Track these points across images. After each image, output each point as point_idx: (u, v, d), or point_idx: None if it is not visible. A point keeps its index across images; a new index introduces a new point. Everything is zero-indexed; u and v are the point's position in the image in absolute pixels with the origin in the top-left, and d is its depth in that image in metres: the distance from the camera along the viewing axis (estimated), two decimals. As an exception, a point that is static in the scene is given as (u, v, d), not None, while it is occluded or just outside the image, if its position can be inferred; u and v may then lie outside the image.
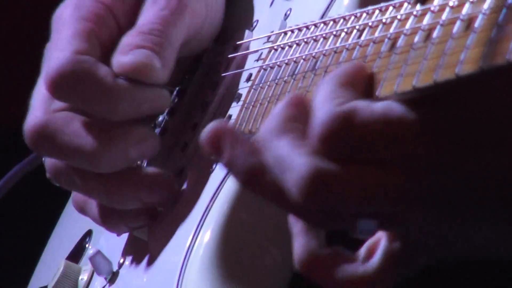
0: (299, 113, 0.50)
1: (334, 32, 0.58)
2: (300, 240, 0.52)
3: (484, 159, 0.46)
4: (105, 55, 0.73)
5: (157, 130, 0.78)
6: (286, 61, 0.68)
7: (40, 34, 0.84)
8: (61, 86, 0.72)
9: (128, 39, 0.72)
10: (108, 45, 0.74)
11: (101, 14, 0.76)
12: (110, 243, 0.79)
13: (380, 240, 0.48)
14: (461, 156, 0.47)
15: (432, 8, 0.49)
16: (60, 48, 0.74)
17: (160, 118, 0.78)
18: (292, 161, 0.46)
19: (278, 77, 0.66)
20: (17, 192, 0.87)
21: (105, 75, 0.71)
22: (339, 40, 0.59)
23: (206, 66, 0.81)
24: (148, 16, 0.75)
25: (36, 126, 0.74)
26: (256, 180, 0.50)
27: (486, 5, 0.44)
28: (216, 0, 0.81)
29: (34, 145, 0.75)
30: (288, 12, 0.73)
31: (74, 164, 0.75)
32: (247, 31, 0.76)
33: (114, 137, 0.73)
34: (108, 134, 0.73)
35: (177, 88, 0.79)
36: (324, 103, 0.48)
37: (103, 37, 0.75)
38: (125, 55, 0.71)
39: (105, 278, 0.75)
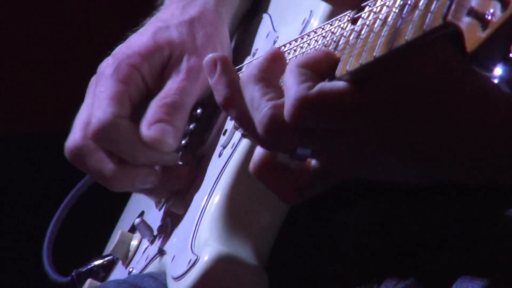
0: (274, 68, 0.68)
1: (312, 38, 0.79)
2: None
3: (400, 123, 0.63)
4: (135, 108, 0.93)
5: (192, 126, 0.98)
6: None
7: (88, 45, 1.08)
8: (99, 138, 0.91)
9: (154, 109, 0.92)
10: (137, 101, 0.94)
11: (133, 77, 0.95)
12: (153, 216, 1.00)
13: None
14: (385, 120, 0.63)
15: (364, 16, 0.68)
16: (102, 106, 0.94)
17: (191, 126, 0.97)
18: (259, 104, 0.64)
19: None
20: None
21: (132, 137, 0.91)
22: (318, 41, 0.79)
23: None
24: (171, 87, 0.94)
25: (73, 147, 0.94)
26: (232, 107, 0.68)
27: (397, 4, 0.63)
28: (224, 42, 1.01)
29: (69, 159, 0.96)
30: (276, 39, 0.94)
31: (95, 179, 0.97)
32: (248, 57, 0.98)
33: (127, 172, 0.93)
34: (123, 169, 0.92)
35: (200, 107, 1.00)
36: (291, 78, 0.64)
37: (134, 95, 0.94)
38: (148, 129, 0.91)
39: (148, 240, 0.96)
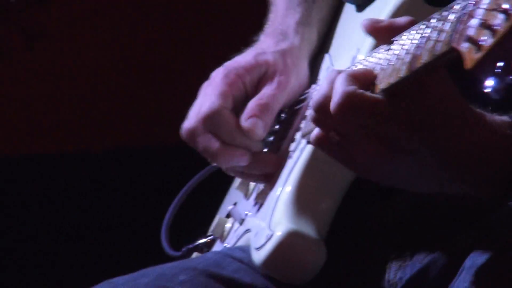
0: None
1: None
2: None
3: (423, 135, 0.80)
4: (236, 105, 1.18)
5: (277, 126, 1.23)
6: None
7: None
8: (208, 122, 1.16)
9: (251, 106, 1.17)
10: (238, 101, 1.18)
11: (237, 84, 1.20)
12: (242, 206, 1.24)
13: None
14: (410, 131, 0.79)
15: (393, 47, 0.85)
16: (212, 99, 1.18)
17: (277, 126, 1.24)
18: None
19: None
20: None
21: (232, 124, 1.16)
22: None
23: (295, 103, 1.26)
24: (265, 92, 1.19)
25: (187, 129, 1.18)
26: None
27: (417, 38, 0.80)
28: (303, 71, 1.26)
29: (184, 138, 1.20)
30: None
31: (204, 155, 1.20)
32: (313, 85, 1.22)
33: (227, 150, 1.16)
34: (224, 147, 1.16)
35: (283, 113, 1.24)
36: (341, 80, 0.82)
37: (236, 95, 1.19)
38: (245, 121, 1.15)
39: (238, 223, 1.19)
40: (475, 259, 0.96)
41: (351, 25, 1.29)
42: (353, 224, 1.15)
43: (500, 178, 0.91)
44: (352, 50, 1.17)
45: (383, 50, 0.92)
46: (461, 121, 0.85)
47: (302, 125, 1.21)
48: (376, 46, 1.01)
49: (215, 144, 1.19)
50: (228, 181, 1.42)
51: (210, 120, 1.20)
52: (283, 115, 1.26)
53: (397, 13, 1.11)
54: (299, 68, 1.31)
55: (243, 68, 1.23)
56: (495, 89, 0.81)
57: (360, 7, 1.28)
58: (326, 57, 1.28)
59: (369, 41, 1.10)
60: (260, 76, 1.24)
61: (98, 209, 2.91)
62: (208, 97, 1.22)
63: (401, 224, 1.12)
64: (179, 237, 1.45)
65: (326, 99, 0.86)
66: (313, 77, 1.29)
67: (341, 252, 1.12)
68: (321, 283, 1.10)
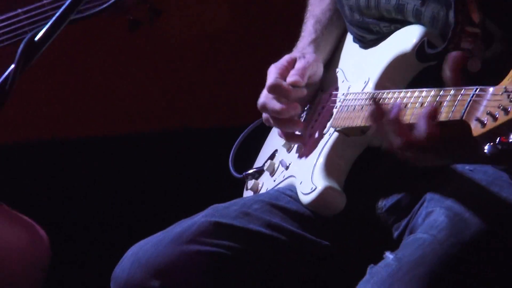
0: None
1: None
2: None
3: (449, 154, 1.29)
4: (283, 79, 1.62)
5: (305, 113, 1.69)
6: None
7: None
8: (271, 90, 1.62)
9: (292, 71, 1.63)
10: (284, 76, 1.63)
11: (283, 69, 1.66)
12: (286, 155, 1.70)
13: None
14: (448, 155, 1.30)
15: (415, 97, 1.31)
16: (271, 78, 1.62)
17: (304, 113, 1.69)
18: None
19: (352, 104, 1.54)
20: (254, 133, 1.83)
21: (286, 88, 1.60)
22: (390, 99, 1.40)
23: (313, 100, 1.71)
24: (297, 66, 1.65)
25: (261, 102, 1.63)
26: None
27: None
28: (319, 67, 1.72)
29: (259, 109, 1.65)
30: (350, 86, 1.60)
31: (273, 115, 1.63)
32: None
33: (287, 109, 1.61)
34: (285, 107, 1.61)
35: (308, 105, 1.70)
36: (423, 121, 1.23)
37: (282, 74, 1.63)
38: (289, 77, 1.62)
39: (284, 167, 1.66)
40: (432, 196, 1.49)
41: (359, 57, 1.70)
42: (358, 179, 1.62)
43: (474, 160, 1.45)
44: (363, 77, 1.59)
45: (416, 94, 1.36)
46: (469, 147, 1.27)
47: (331, 119, 1.62)
48: (385, 84, 1.51)
49: (278, 105, 1.67)
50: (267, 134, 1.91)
51: (273, 88, 1.68)
52: (307, 107, 1.74)
53: (394, 61, 1.52)
54: (317, 63, 1.76)
55: (284, 60, 1.71)
56: (489, 153, 1.19)
57: (364, 46, 1.70)
58: (340, 71, 1.72)
59: (377, 74, 1.55)
60: (293, 62, 1.73)
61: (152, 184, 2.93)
62: (268, 79, 1.69)
63: (386, 176, 1.60)
64: (241, 164, 1.91)
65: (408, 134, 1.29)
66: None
67: (352, 196, 1.60)
68: (341, 214, 1.59)
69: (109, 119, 3.15)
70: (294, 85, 1.66)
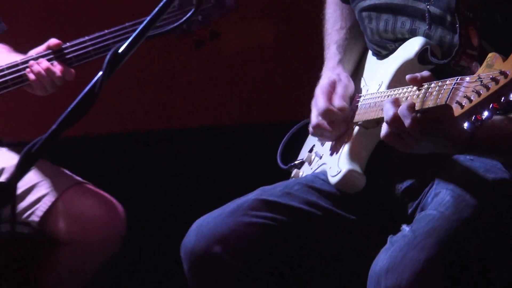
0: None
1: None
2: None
3: (433, 138, 1.40)
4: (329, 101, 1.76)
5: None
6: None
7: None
8: (324, 114, 1.73)
9: (337, 99, 1.74)
10: (330, 99, 1.75)
11: (327, 92, 1.77)
12: (318, 148, 1.86)
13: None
14: (428, 135, 1.38)
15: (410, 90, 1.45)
16: (322, 103, 1.76)
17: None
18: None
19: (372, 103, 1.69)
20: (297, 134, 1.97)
21: (335, 110, 1.74)
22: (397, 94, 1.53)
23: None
24: (339, 91, 1.76)
25: (315, 124, 1.74)
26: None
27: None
28: (350, 81, 1.85)
29: (313, 128, 1.78)
30: (368, 88, 1.78)
31: (323, 135, 1.80)
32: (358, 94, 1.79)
33: (331, 127, 1.73)
34: (335, 132, 1.75)
35: None
36: (408, 113, 1.37)
37: (328, 97, 1.76)
38: (337, 103, 1.74)
39: (318, 157, 1.82)
40: (439, 180, 1.62)
41: (376, 66, 1.86)
42: (378, 164, 1.77)
43: (458, 150, 1.51)
44: (378, 81, 1.76)
45: (414, 89, 1.48)
46: (454, 133, 1.43)
47: (355, 116, 1.77)
48: (395, 84, 1.65)
49: (329, 129, 1.79)
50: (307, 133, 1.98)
51: (325, 113, 1.80)
52: None
53: (402, 66, 1.70)
54: (350, 81, 1.89)
55: (327, 84, 1.83)
56: (468, 128, 1.32)
57: (380, 58, 1.85)
58: (363, 79, 1.88)
59: (388, 78, 1.71)
60: (334, 85, 1.85)
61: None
62: (319, 103, 1.81)
63: (401, 163, 1.75)
64: (288, 158, 2.07)
65: (395, 117, 1.42)
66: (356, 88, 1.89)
67: (374, 178, 1.76)
68: (366, 194, 1.75)
69: (176, 113, 3.26)
70: (341, 110, 1.81)
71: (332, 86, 1.89)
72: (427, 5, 1.70)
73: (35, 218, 2.33)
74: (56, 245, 2.34)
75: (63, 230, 2.30)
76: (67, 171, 2.48)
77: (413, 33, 1.73)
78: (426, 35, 1.70)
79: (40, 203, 2.34)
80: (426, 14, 1.71)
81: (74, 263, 2.35)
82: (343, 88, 1.87)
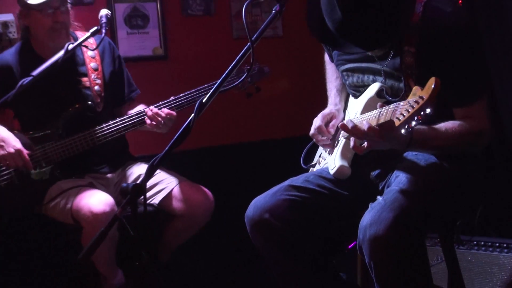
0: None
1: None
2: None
3: (387, 143, 1.78)
4: (326, 124, 2.22)
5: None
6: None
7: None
8: (318, 130, 2.22)
9: (330, 126, 2.20)
10: (326, 122, 2.24)
11: (325, 117, 2.24)
12: (324, 154, 2.29)
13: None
14: (384, 140, 1.73)
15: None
16: (318, 122, 2.23)
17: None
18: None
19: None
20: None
21: (324, 129, 2.21)
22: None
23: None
24: (334, 122, 2.22)
25: (311, 133, 2.24)
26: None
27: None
28: (342, 114, 2.29)
29: (311, 135, 2.24)
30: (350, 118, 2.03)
31: (317, 140, 2.25)
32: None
33: (324, 141, 2.23)
34: (323, 141, 2.25)
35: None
36: (364, 127, 1.67)
37: (325, 121, 2.21)
38: (330, 128, 2.24)
39: (324, 160, 2.28)
40: (397, 169, 1.97)
41: (353, 103, 2.18)
42: (358, 161, 2.14)
43: (403, 147, 1.81)
44: (355, 111, 2.06)
45: (374, 113, 1.73)
46: (395, 139, 1.72)
47: (341, 134, 2.11)
48: (364, 111, 1.93)
49: (319, 137, 2.18)
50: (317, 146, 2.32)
51: (318, 129, 2.19)
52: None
53: (368, 101, 2.01)
54: (341, 114, 2.25)
55: (327, 113, 2.24)
56: (405, 133, 1.61)
57: (355, 98, 2.18)
58: (346, 111, 2.24)
59: (360, 109, 2.01)
60: (332, 116, 2.25)
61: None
62: (317, 122, 2.19)
63: (373, 159, 2.11)
64: (308, 159, 2.42)
65: (358, 130, 1.68)
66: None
67: (356, 169, 2.14)
68: (352, 178, 2.15)
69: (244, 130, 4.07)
70: (328, 132, 2.26)
71: (330, 115, 2.32)
72: (382, 67, 2.06)
73: (155, 201, 2.94)
74: (172, 217, 2.99)
75: (176, 209, 2.94)
76: (175, 173, 3.05)
77: (374, 81, 2.12)
78: (382, 83, 2.07)
79: (160, 193, 2.95)
80: (382, 72, 2.06)
81: (183, 227, 3.00)
82: (337, 121, 2.30)
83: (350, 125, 1.73)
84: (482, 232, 2.82)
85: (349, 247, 2.37)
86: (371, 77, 2.09)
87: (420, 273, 1.84)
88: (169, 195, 2.88)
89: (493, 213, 2.72)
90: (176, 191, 2.90)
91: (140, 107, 2.90)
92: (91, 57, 2.82)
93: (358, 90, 2.20)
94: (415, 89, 1.63)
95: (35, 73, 2.45)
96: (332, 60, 2.33)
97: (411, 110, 1.57)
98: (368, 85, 2.10)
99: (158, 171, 2.81)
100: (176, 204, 2.90)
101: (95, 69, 2.88)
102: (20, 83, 2.40)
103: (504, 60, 2.94)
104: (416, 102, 1.57)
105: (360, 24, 1.78)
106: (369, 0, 1.74)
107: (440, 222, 2.03)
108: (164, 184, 2.92)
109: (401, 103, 1.63)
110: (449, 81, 1.70)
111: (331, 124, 2.27)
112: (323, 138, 2.25)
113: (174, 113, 2.76)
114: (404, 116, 1.58)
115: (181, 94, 2.82)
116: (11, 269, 2.84)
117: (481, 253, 2.67)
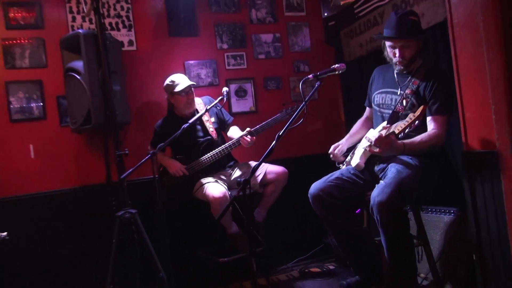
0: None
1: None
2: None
3: (390, 151, 3.18)
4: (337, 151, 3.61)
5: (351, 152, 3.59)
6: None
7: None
8: (331, 154, 3.69)
9: (337, 153, 3.58)
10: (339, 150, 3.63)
11: (336, 148, 3.72)
12: (349, 159, 3.65)
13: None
14: (388, 148, 3.13)
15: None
16: (332, 149, 3.63)
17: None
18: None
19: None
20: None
21: (335, 153, 3.67)
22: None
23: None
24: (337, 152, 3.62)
25: (330, 153, 3.64)
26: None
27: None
28: (344, 147, 3.72)
29: (330, 153, 3.68)
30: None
31: (332, 159, 3.62)
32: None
33: (336, 159, 3.64)
34: (335, 159, 3.63)
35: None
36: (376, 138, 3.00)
37: (335, 149, 3.66)
38: (336, 156, 3.63)
39: (349, 160, 3.65)
40: (391, 164, 3.23)
41: (371, 131, 3.25)
42: (368, 159, 3.35)
43: (400, 152, 3.04)
44: (372, 136, 3.08)
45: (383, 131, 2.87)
46: (394, 145, 2.96)
47: (360, 144, 3.26)
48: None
49: (331, 156, 3.34)
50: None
51: (331, 154, 3.42)
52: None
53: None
54: (344, 144, 3.40)
55: (338, 143, 3.32)
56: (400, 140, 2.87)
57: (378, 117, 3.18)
58: (364, 137, 3.34)
59: (365, 144, 3.21)
60: (338, 145, 3.41)
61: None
62: (331, 148, 3.39)
63: (377, 158, 3.40)
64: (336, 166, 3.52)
65: (376, 140, 2.85)
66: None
67: (367, 165, 3.40)
68: (364, 171, 3.43)
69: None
70: (334, 155, 3.29)
71: (338, 145, 3.47)
72: (394, 106, 3.12)
73: (259, 178, 4.15)
74: (267, 184, 4.20)
75: (270, 179, 4.15)
76: (267, 163, 4.14)
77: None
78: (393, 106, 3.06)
79: (260, 175, 4.18)
80: (399, 94, 3.07)
81: (274, 188, 4.18)
82: (341, 146, 3.42)
83: (374, 138, 2.89)
84: (434, 202, 3.69)
85: (357, 211, 3.68)
86: (389, 110, 3.23)
87: (403, 223, 2.96)
88: (265, 174, 4.18)
89: (440, 191, 3.50)
90: (268, 170, 4.21)
91: (236, 128, 4.28)
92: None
93: (382, 116, 3.32)
94: (410, 114, 2.76)
95: (187, 124, 3.73)
96: (370, 104, 3.54)
97: (403, 126, 2.67)
98: (387, 103, 3.23)
99: (262, 164, 3.86)
100: (269, 176, 4.20)
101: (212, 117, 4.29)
102: (182, 127, 3.68)
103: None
104: (410, 118, 2.69)
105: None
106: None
107: (413, 195, 3.08)
108: (261, 170, 4.23)
109: (399, 123, 2.72)
110: (437, 97, 2.86)
111: (337, 149, 3.52)
112: (334, 155, 3.48)
113: (254, 138, 3.99)
114: (401, 127, 2.68)
115: (257, 126, 4.08)
116: (183, 225, 4.42)
117: (434, 215, 3.62)
